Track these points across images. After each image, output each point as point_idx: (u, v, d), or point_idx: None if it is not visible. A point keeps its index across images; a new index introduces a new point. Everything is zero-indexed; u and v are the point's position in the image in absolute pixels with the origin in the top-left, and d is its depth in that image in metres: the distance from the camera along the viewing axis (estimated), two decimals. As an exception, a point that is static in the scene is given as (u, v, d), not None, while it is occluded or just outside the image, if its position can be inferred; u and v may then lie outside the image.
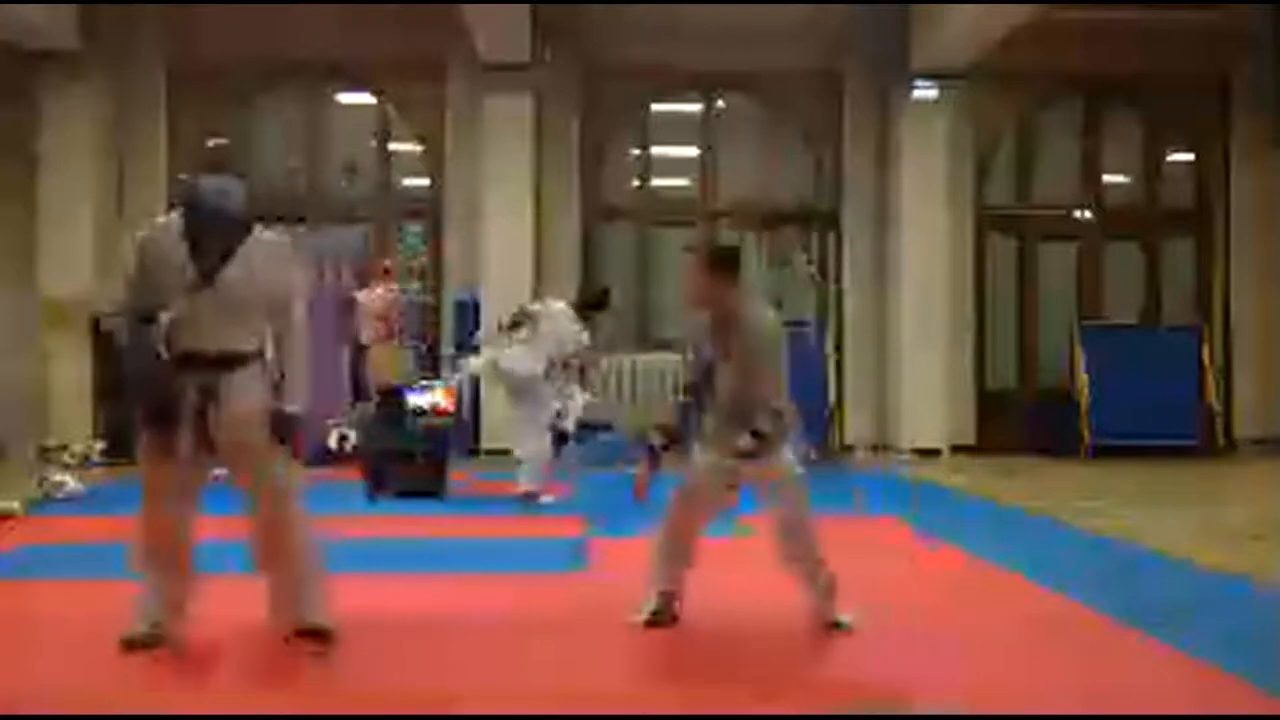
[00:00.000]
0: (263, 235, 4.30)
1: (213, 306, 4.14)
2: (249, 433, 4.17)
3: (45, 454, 11.47)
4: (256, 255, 4.22)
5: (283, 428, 4.23)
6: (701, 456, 4.63)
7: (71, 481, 8.85)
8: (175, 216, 4.25)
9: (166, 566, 4.27)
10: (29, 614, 4.94)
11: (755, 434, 4.41)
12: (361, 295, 10.96)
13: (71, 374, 12.18)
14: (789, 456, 4.60)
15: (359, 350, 11.86)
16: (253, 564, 4.32)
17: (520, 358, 8.50)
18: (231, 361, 4.18)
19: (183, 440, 4.12)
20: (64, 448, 11.37)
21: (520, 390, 8.55)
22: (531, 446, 8.50)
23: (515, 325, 8.69)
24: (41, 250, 12.66)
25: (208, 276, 4.12)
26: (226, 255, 4.15)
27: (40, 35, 12.30)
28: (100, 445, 11.24)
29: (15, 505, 7.83)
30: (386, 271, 11.32)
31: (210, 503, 4.37)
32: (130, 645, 4.18)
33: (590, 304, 8.97)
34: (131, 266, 4.28)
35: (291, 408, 4.25)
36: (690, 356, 4.83)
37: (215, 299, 4.13)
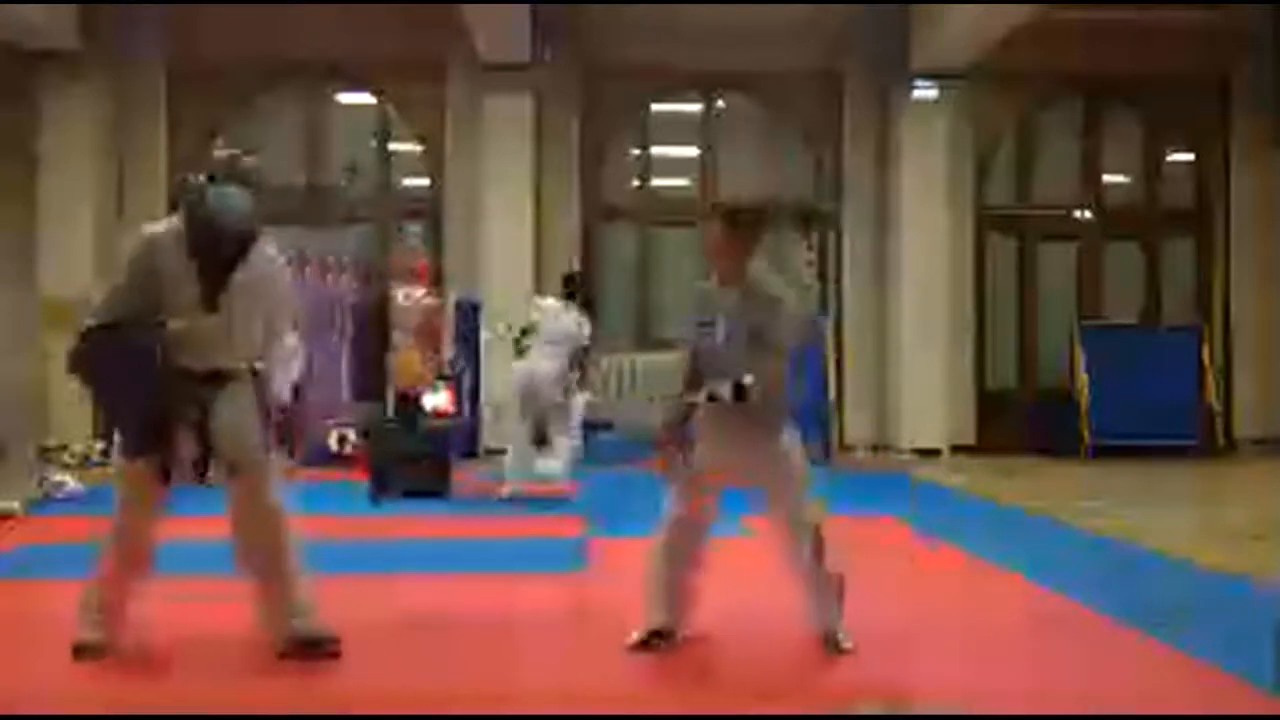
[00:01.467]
0: (263, 250, 4.22)
1: (211, 324, 4.07)
2: (244, 440, 4.16)
3: (45, 454, 11.48)
4: (256, 272, 4.15)
5: (282, 425, 4.24)
6: (697, 449, 4.42)
7: (71, 481, 8.86)
8: (177, 223, 4.11)
9: (135, 571, 4.25)
10: (29, 614, 4.94)
11: (737, 386, 4.19)
12: (400, 297, 10.18)
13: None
14: (786, 442, 4.36)
15: (382, 351, 11.73)
16: (237, 564, 4.28)
17: (549, 364, 8.46)
18: (226, 377, 4.14)
19: (177, 456, 4.09)
20: (64, 448, 11.38)
21: (550, 394, 8.48)
22: (567, 445, 8.48)
23: (525, 333, 8.67)
24: (42, 250, 12.67)
25: (211, 297, 4.05)
26: (230, 270, 4.08)
27: (40, 35, 12.30)
28: (100, 445, 11.24)
29: (15, 505, 7.84)
30: (414, 272, 10.31)
31: (184, 503, 4.36)
32: (83, 652, 4.13)
33: (572, 291, 8.81)
34: (126, 273, 4.13)
35: (280, 401, 4.28)
36: (691, 335, 4.55)
37: (215, 318, 4.06)
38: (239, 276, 4.10)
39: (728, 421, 4.29)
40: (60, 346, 13.41)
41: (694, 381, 4.46)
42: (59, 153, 12.69)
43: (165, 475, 4.12)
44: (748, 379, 4.21)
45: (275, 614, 4.25)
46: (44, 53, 12.53)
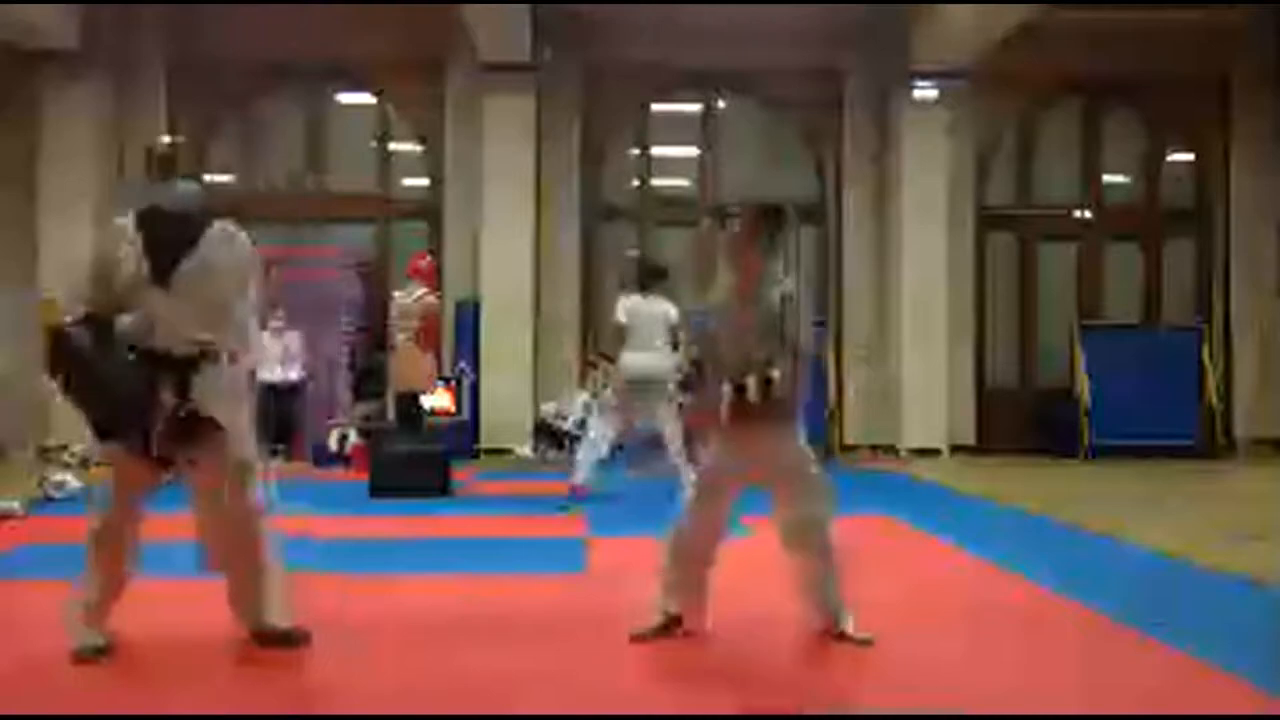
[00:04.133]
0: (220, 227, 4.26)
1: (171, 304, 4.11)
2: (220, 432, 4.15)
3: (45, 454, 11.48)
4: (210, 247, 4.20)
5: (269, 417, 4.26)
6: (714, 447, 4.47)
7: (71, 481, 8.85)
8: (130, 218, 4.23)
9: (120, 566, 4.25)
10: (29, 614, 4.94)
11: (764, 380, 4.20)
12: (398, 296, 10.08)
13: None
14: (801, 439, 4.40)
15: (380, 349, 11.70)
16: (208, 563, 4.30)
17: (655, 359, 8.36)
18: (199, 360, 4.15)
19: (156, 441, 4.08)
20: (64, 448, 11.37)
21: (660, 389, 8.38)
22: (679, 439, 8.36)
23: (620, 339, 8.57)
24: (42, 250, 12.67)
25: (163, 274, 4.10)
26: (181, 252, 4.14)
27: (40, 35, 12.31)
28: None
29: (15, 505, 7.83)
30: (419, 271, 9.88)
31: (163, 501, 4.36)
32: (85, 656, 4.12)
33: (650, 279, 8.75)
34: (90, 266, 4.24)
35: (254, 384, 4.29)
36: (704, 327, 4.55)
37: (173, 296, 4.10)
38: (192, 256, 4.14)
39: (747, 418, 4.28)
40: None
41: (705, 365, 4.47)
42: (59, 153, 12.71)
43: (147, 462, 4.10)
44: (774, 373, 4.21)
45: (244, 608, 4.29)
46: (44, 53, 12.55)
